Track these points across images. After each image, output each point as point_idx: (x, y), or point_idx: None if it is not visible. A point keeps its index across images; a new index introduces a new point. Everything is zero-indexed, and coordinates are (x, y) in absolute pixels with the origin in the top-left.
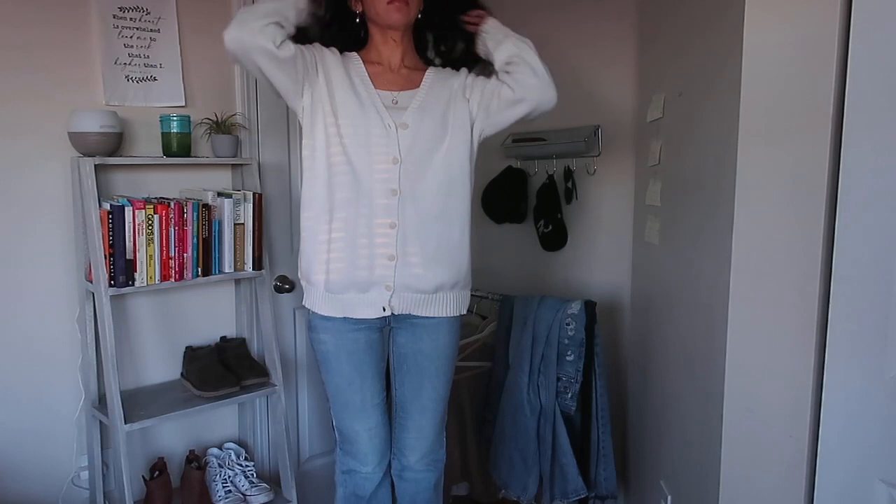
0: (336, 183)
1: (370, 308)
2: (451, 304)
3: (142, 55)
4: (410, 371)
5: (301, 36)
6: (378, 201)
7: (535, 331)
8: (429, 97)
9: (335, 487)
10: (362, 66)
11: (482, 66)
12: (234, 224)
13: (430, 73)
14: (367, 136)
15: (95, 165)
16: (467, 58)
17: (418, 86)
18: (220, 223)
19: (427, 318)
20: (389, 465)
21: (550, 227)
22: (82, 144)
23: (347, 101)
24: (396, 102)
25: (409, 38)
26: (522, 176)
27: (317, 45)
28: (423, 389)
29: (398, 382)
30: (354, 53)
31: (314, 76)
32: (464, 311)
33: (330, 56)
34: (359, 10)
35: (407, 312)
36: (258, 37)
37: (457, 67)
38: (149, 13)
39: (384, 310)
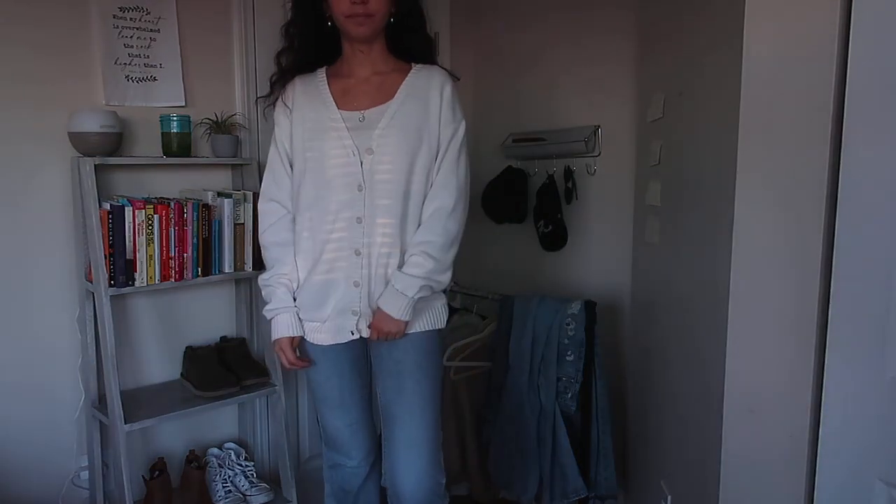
0: (302, 206)
1: (341, 332)
2: (420, 317)
3: (142, 55)
4: (388, 369)
5: (282, 71)
6: (341, 226)
7: (535, 331)
8: (401, 112)
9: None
10: (326, 87)
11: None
12: (234, 224)
13: (409, 82)
14: (330, 162)
15: (95, 165)
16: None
17: (391, 96)
18: (220, 223)
19: None
20: (376, 461)
21: (550, 227)
22: (82, 144)
23: (311, 131)
24: (363, 120)
25: (381, 43)
26: (522, 176)
27: (284, 109)
28: (406, 386)
29: (380, 383)
30: (322, 73)
31: (291, 143)
32: (439, 326)
33: (291, 104)
34: (329, 12)
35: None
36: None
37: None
38: (149, 13)
39: (352, 333)
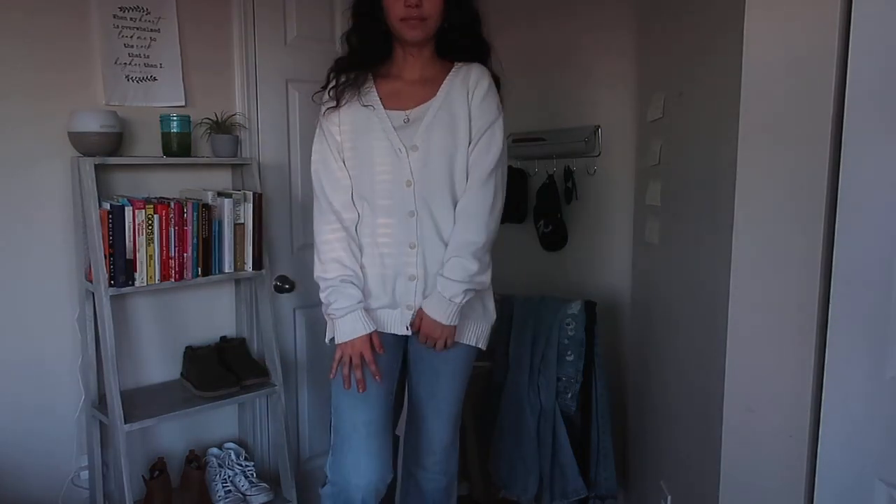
0: (360, 207)
1: (394, 325)
2: (473, 333)
3: (142, 55)
4: (426, 372)
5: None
6: (394, 221)
7: (535, 331)
8: (442, 109)
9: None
10: (374, 88)
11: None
12: (234, 224)
13: (449, 80)
14: (377, 160)
15: (95, 165)
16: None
17: (433, 95)
18: (220, 223)
19: None
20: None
21: (550, 227)
22: (82, 144)
23: (358, 131)
24: (408, 121)
25: (431, 47)
26: (522, 176)
27: (334, 114)
28: (439, 391)
29: (414, 381)
30: (369, 75)
31: (342, 146)
32: (482, 345)
33: (343, 112)
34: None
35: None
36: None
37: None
38: (149, 13)
39: (408, 329)
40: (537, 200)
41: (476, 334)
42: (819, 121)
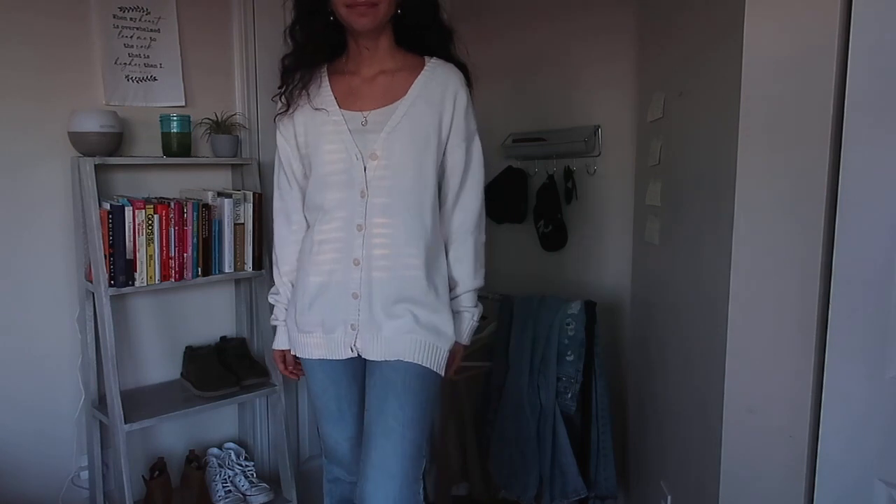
0: (309, 216)
1: (335, 348)
2: (421, 351)
3: (142, 55)
4: (378, 383)
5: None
6: (338, 233)
7: (535, 331)
8: (410, 116)
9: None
10: (328, 87)
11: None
12: (234, 224)
13: (421, 82)
14: (330, 167)
15: (95, 165)
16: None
17: (400, 96)
18: (220, 223)
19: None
20: None
21: (550, 227)
22: (82, 144)
23: (311, 134)
24: (366, 123)
25: (388, 38)
26: (522, 176)
27: (286, 122)
28: (388, 405)
29: (367, 397)
30: (324, 71)
31: (300, 153)
32: (439, 370)
33: (296, 116)
34: (331, 6)
35: (374, 358)
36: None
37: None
38: (149, 13)
39: (352, 350)
40: (537, 200)
41: (428, 354)
42: (819, 121)
